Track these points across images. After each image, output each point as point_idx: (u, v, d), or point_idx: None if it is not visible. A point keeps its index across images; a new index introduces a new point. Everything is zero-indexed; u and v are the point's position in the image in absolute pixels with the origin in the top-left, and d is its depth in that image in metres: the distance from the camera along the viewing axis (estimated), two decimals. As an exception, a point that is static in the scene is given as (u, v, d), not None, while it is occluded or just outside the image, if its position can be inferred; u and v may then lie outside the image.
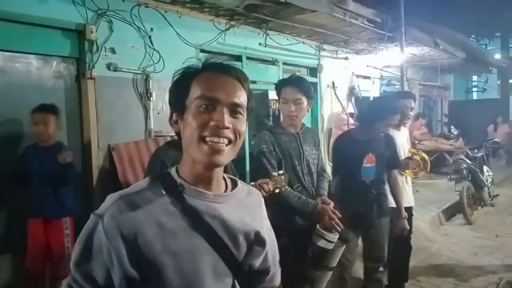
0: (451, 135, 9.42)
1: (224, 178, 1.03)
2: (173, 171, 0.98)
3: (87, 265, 0.85)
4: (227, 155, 0.92)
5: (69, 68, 3.54)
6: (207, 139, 0.89)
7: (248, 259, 0.99)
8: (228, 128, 0.90)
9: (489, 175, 6.41)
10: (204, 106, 0.90)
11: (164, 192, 0.91)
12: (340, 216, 2.21)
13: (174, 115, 0.98)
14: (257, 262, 1.04)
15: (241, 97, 0.94)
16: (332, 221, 2.18)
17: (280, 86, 2.39)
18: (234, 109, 0.92)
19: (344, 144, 2.76)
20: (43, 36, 3.28)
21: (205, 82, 0.92)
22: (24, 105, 3.12)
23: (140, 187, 0.93)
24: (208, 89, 0.91)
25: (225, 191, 1.00)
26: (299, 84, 2.32)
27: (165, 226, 0.87)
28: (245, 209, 1.01)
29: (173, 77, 0.98)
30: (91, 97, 3.53)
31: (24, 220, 2.94)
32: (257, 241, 1.01)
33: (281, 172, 2.17)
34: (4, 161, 3.08)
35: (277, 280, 1.16)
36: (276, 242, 1.14)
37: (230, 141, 0.91)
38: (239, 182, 1.06)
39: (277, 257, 1.15)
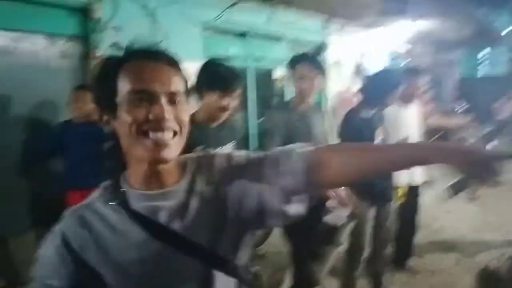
0: (459, 112, 9.34)
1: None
2: (125, 174, 0.90)
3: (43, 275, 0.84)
4: (175, 148, 0.83)
5: (75, 47, 3.53)
6: (150, 134, 0.79)
7: (220, 240, 0.87)
8: (170, 119, 0.81)
9: (495, 152, 6.38)
10: (138, 100, 0.80)
11: (109, 203, 0.86)
12: (350, 193, 2.23)
13: (103, 116, 0.86)
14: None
15: (178, 84, 0.84)
16: (342, 199, 2.21)
17: (294, 62, 2.36)
18: (172, 98, 0.83)
19: (354, 120, 2.68)
20: (49, 16, 3.27)
21: (134, 73, 0.82)
22: (30, 85, 3.14)
23: (91, 197, 0.90)
24: (140, 81, 0.80)
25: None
26: (315, 61, 2.30)
27: (107, 242, 0.83)
28: (201, 188, 0.89)
29: (95, 72, 0.87)
30: (97, 77, 3.54)
31: (60, 194, 2.95)
32: (225, 214, 0.88)
33: None
34: (20, 141, 3.15)
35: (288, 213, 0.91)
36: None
37: (175, 133, 0.82)
38: (188, 161, 0.92)
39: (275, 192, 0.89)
